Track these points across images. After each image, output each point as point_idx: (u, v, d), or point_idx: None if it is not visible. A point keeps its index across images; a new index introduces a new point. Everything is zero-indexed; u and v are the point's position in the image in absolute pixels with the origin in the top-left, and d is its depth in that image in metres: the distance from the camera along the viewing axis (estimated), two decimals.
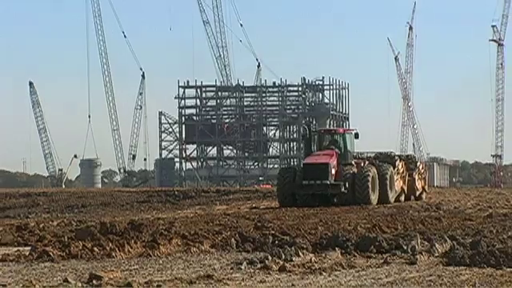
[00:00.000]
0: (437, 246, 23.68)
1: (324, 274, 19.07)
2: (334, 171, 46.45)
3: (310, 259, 21.48)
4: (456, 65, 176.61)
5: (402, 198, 52.32)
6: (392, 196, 48.97)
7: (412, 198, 53.83)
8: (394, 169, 50.73)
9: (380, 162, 50.85)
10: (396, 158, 53.93)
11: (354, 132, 51.35)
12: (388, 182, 48.33)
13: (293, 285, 17.50)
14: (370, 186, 46.51)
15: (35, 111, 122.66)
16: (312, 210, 41.52)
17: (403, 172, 53.03)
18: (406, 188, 52.79)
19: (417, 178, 55.41)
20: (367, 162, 50.03)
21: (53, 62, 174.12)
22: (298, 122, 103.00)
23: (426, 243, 24.29)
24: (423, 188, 56.90)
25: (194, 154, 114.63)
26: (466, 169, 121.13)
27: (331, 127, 60.45)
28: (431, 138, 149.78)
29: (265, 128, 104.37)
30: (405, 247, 23.30)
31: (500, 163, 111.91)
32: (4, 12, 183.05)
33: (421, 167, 57.73)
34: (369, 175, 46.85)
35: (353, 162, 48.52)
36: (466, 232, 28.48)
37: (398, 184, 51.41)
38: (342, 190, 46.09)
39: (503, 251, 21.30)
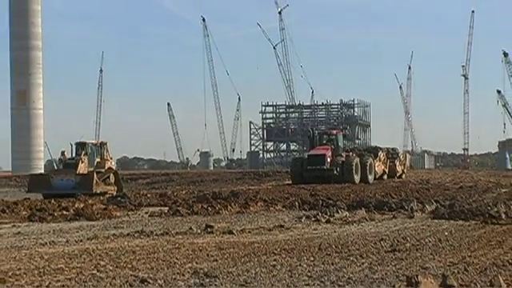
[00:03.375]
0: (427, 206, 30.45)
1: (354, 224, 24.88)
2: (329, 160, 54.13)
3: (346, 215, 27.66)
4: (438, 92, 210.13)
5: (385, 177, 61.04)
6: (371, 177, 56.21)
7: (395, 177, 63.21)
8: (376, 158, 59.02)
9: (365, 153, 59.48)
10: (379, 150, 62.67)
11: (342, 133, 61.94)
12: (368, 168, 55.74)
13: (334, 231, 22.54)
14: (354, 170, 53.94)
15: (172, 121, 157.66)
16: (345, 185, 50.61)
17: (385, 160, 61.79)
18: (387, 170, 61.65)
19: (398, 163, 64.68)
20: (354, 154, 57.58)
21: (182, 89, 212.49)
22: (337, 128, 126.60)
23: (420, 205, 30.63)
24: (403, 170, 66.09)
25: (272, 148, 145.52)
26: (446, 157, 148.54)
27: (329, 130, 70.26)
28: (423, 137, 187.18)
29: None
30: (406, 207, 29.82)
31: (467, 154, 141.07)
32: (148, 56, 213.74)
33: (401, 156, 67.63)
34: (353, 163, 54.23)
35: (343, 154, 55.76)
36: (445, 198, 35.35)
37: (380, 168, 59.79)
38: (335, 173, 53.78)
39: (469, 210, 27.12)
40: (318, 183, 50.15)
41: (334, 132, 61.56)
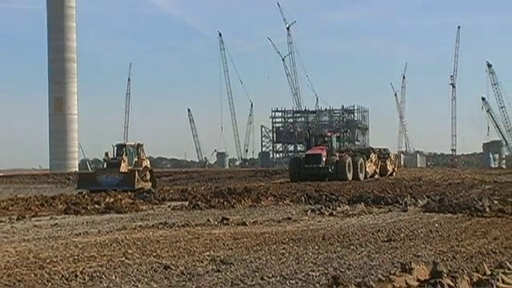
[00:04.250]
0: (419, 201, 30.13)
1: (354, 217, 24.82)
2: (324, 159, 53.04)
3: (346, 209, 27.53)
4: (429, 98, 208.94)
5: (377, 176, 59.12)
6: (362, 175, 54.87)
7: (387, 175, 61.50)
8: (367, 158, 57.76)
9: (357, 154, 58.15)
10: (371, 151, 61.82)
11: (336, 135, 59.83)
12: (358, 167, 54.52)
13: (337, 223, 22.58)
14: (346, 168, 52.88)
15: (192, 125, 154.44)
16: (340, 182, 49.26)
17: (376, 160, 60.31)
18: (378, 170, 60.27)
19: (388, 163, 63.21)
20: (346, 154, 56.12)
21: (201, 96, 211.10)
22: (339, 131, 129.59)
23: (413, 199, 30.34)
24: (393, 169, 64.51)
25: (281, 149, 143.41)
26: (436, 157, 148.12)
27: (323, 132, 69.23)
28: (416, 139, 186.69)
29: None
30: (400, 202, 29.66)
31: (455, 154, 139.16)
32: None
33: (392, 157, 66.60)
34: (346, 162, 53.17)
35: (336, 154, 54.51)
36: (435, 193, 34.77)
37: (371, 167, 58.23)
38: (329, 171, 52.70)
39: (457, 204, 27.18)
40: (313, 180, 49.21)
41: (329, 134, 60.35)
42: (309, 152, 55.29)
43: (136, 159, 50.80)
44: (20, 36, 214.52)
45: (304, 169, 53.30)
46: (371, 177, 57.71)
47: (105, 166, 51.43)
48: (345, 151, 59.79)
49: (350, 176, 53.15)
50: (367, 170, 57.32)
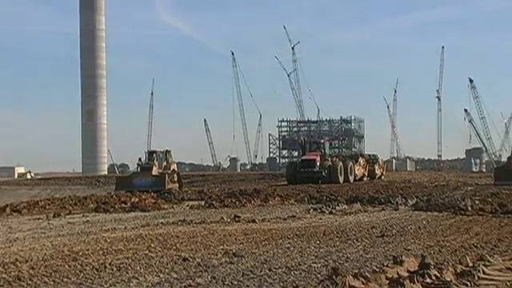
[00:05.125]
0: (409, 201, 29.74)
1: (351, 215, 24.54)
2: (318, 164, 51.81)
3: (345, 208, 27.24)
4: (417, 110, 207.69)
5: (365, 179, 57.73)
6: (351, 178, 53.68)
7: (375, 178, 59.60)
8: (356, 162, 56.39)
9: (347, 159, 57.00)
10: (360, 156, 60.49)
11: (329, 142, 59.60)
12: (349, 171, 53.43)
13: (336, 220, 22.48)
14: (338, 172, 51.67)
15: (207, 133, 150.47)
16: (344, 183, 49.91)
17: (365, 164, 58.80)
18: (366, 173, 58.81)
19: (377, 167, 61.58)
20: (338, 159, 55.21)
21: (216, 108, 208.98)
22: (337, 139, 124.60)
23: (403, 199, 30.09)
24: (381, 173, 62.86)
25: (286, 155, 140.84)
26: (424, 162, 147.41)
27: (317, 139, 68.01)
28: (406, 145, 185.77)
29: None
30: (392, 202, 29.17)
31: (440, 159, 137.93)
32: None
33: (380, 162, 64.62)
34: (337, 166, 52.12)
35: (329, 159, 53.48)
36: (423, 194, 34.51)
37: (360, 171, 56.79)
38: (323, 174, 51.39)
39: (442, 203, 26.84)
40: (308, 183, 48.30)
41: (322, 141, 59.14)
42: (304, 157, 54.32)
43: (165, 163, 51.30)
44: (57, 55, 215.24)
45: (300, 172, 52.28)
46: (360, 179, 56.79)
47: (138, 169, 51.96)
48: (336, 156, 59.19)
49: (341, 179, 52.19)
50: (356, 172, 56.25)
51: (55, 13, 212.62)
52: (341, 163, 53.56)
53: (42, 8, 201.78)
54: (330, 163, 52.96)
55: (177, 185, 49.89)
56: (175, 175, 51.31)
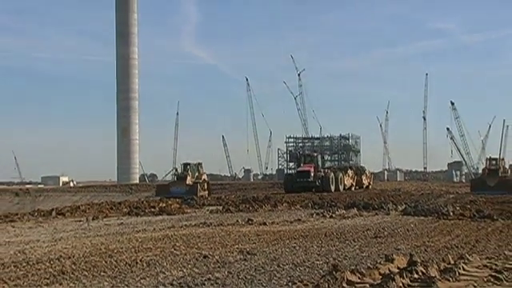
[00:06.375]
0: (399, 207, 29.52)
1: (349, 219, 24.31)
2: (312, 174, 50.61)
3: (343, 212, 26.97)
4: (406, 128, 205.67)
5: (353, 188, 56.25)
6: (341, 187, 52.60)
7: (363, 188, 58.40)
8: (345, 173, 55.33)
9: (337, 170, 55.78)
10: (349, 168, 59.53)
11: (322, 156, 59.02)
12: (339, 181, 52.37)
13: (335, 223, 22.19)
14: (330, 182, 50.66)
15: (225, 148, 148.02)
16: (336, 192, 48.80)
17: (353, 175, 57.50)
18: (354, 183, 57.13)
19: (364, 178, 60.14)
20: (329, 170, 53.91)
21: (232, 126, 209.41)
22: (337, 153, 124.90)
23: (394, 205, 29.90)
24: (369, 183, 61.08)
25: (293, 167, 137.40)
26: (412, 173, 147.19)
27: (311, 153, 66.65)
28: (397, 159, 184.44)
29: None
30: (384, 207, 28.89)
31: (426, 170, 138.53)
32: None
33: (367, 173, 62.81)
34: (330, 177, 51.07)
35: (321, 170, 52.13)
36: (411, 201, 34.30)
37: (348, 180, 55.60)
38: (317, 184, 50.22)
39: (428, 209, 26.53)
40: (303, 192, 46.96)
41: (315, 154, 57.90)
42: (299, 169, 53.10)
43: (197, 174, 52.00)
44: (98, 80, 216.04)
45: (296, 182, 51.09)
46: (349, 188, 55.60)
47: (175, 179, 53.13)
48: (328, 168, 58.10)
49: (332, 188, 51.13)
50: (345, 182, 55.23)
51: (97, 45, 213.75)
52: (332, 174, 52.67)
53: (88, 41, 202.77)
54: (323, 174, 52.04)
55: (207, 192, 50.30)
56: (205, 184, 51.79)
